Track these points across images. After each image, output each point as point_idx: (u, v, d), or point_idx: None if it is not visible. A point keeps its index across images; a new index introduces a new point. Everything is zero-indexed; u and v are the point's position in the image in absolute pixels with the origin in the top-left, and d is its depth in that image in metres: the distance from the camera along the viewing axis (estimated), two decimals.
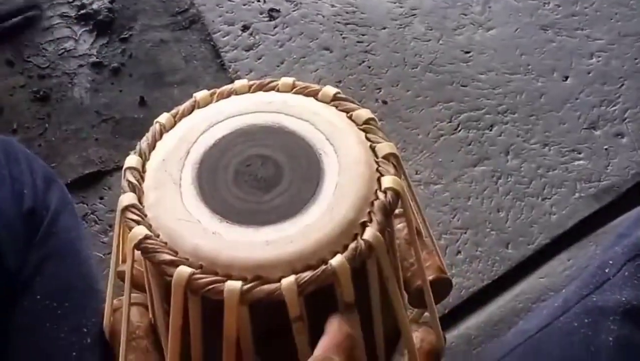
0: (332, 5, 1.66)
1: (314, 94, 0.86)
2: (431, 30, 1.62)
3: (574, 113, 1.47)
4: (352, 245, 0.72)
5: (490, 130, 1.46)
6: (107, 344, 0.92)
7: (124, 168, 0.79)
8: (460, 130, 1.46)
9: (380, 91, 1.52)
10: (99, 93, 1.55)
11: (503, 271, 1.30)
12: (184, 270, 0.71)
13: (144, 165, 0.80)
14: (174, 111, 0.84)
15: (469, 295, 1.27)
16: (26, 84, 1.56)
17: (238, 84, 0.87)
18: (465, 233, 1.33)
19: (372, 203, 0.75)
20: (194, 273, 0.71)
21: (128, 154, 0.78)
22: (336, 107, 0.84)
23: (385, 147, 0.79)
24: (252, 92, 0.86)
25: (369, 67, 1.56)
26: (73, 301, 0.91)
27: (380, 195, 0.75)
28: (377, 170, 0.78)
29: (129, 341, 0.86)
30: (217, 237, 0.73)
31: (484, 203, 1.36)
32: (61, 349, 0.88)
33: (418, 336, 0.95)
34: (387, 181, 0.76)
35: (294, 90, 0.86)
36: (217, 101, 0.86)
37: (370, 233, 0.73)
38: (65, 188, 1.00)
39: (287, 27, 1.63)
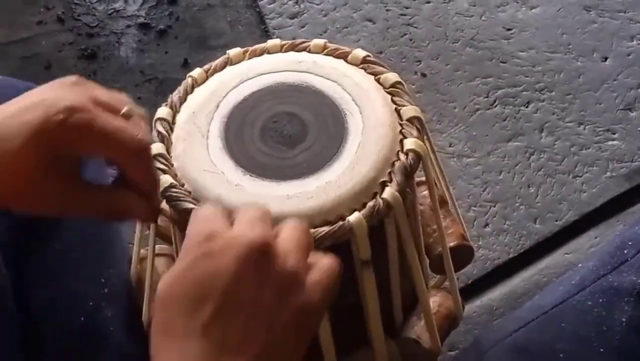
0: None
1: (344, 56, 0.88)
2: (474, 6, 1.63)
3: (611, 94, 1.48)
4: (371, 203, 0.75)
5: (527, 107, 1.47)
6: (126, 295, 0.94)
7: (154, 119, 0.82)
8: (496, 106, 1.47)
9: (420, 64, 1.54)
10: (145, 53, 1.59)
11: (529, 245, 1.31)
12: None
13: (174, 117, 0.83)
14: (206, 67, 0.87)
15: (493, 267, 1.29)
16: (75, 41, 1.60)
17: (270, 43, 0.90)
18: (495, 206, 1.35)
19: (393, 164, 0.77)
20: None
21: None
22: (365, 69, 0.87)
23: (410, 110, 0.81)
24: (284, 52, 0.89)
25: (411, 40, 1.58)
26: (92, 252, 0.92)
27: (402, 157, 0.77)
28: (401, 132, 0.80)
29: (153, 290, 0.89)
30: (239, 188, 0.76)
31: (515, 178, 1.38)
32: (78, 299, 0.90)
33: (436, 301, 0.97)
34: (409, 143, 0.78)
35: (325, 51, 0.88)
36: (249, 59, 0.88)
37: (389, 192, 0.75)
38: None
39: None
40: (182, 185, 0.77)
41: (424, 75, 1.52)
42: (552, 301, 0.85)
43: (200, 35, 1.61)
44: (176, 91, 0.85)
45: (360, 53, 0.87)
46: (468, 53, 1.56)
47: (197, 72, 0.86)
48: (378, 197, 0.75)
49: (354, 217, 0.74)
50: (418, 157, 0.78)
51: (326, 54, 0.88)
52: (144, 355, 0.91)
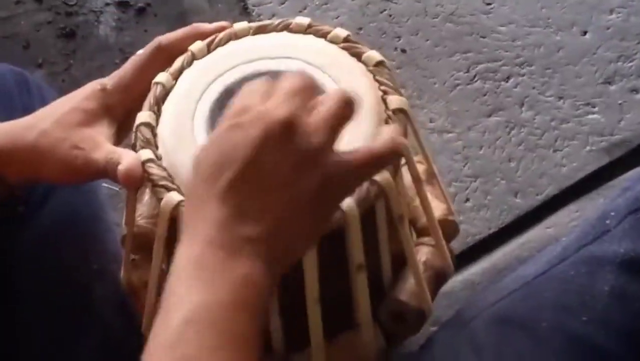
0: None
1: (324, 36, 0.88)
2: None
3: (591, 68, 1.48)
4: (363, 188, 0.75)
5: (507, 82, 1.47)
6: (114, 272, 0.95)
7: (135, 125, 0.82)
8: (476, 81, 1.48)
9: (399, 40, 1.54)
10: (124, 32, 1.58)
11: (510, 220, 1.32)
12: (172, 197, 0.75)
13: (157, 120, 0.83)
14: (171, 69, 0.86)
15: (474, 242, 1.30)
16: (53, 21, 1.59)
17: (238, 26, 0.89)
18: (475, 181, 1.35)
19: None
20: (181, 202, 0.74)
21: None
22: (347, 49, 0.86)
23: (396, 101, 0.81)
24: (253, 35, 0.88)
25: (390, 16, 1.57)
26: (80, 228, 0.93)
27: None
28: (386, 121, 0.80)
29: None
30: None
31: (496, 152, 1.38)
32: (67, 276, 0.91)
33: (424, 259, 0.95)
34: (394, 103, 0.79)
35: (307, 31, 0.88)
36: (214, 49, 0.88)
37: (380, 175, 0.75)
38: None
39: None
40: (160, 158, 0.78)
41: (403, 51, 1.52)
42: (534, 272, 0.86)
43: (179, 13, 1.60)
44: (149, 97, 0.84)
45: (341, 32, 0.87)
46: (448, 28, 1.55)
47: (163, 77, 0.85)
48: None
49: (346, 204, 0.74)
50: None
51: (307, 34, 0.88)
52: (131, 333, 0.92)
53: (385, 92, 0.82)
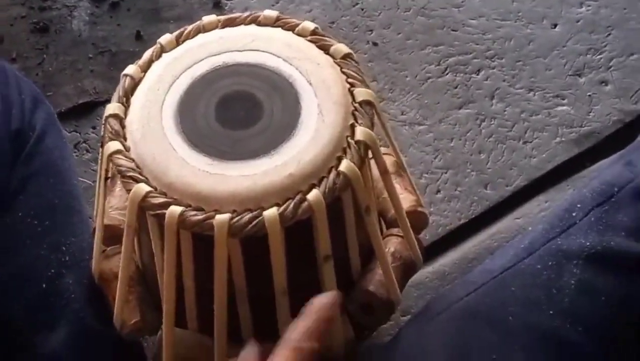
0: None
1: (292, 28, 0.89)
2: None
3: (561, 60, 1.50)
4: (330, 177, 0.76)
5: (477, 75, 1.49)
6: (87, 264, 0.96)
7: (104, 117, 0.83)
8: (447, 74, 1.49)
9: (371, 33, 1.55)
10: (97, 26, 1.58)
11: (480, 211, 1.33)
12: (141, 188, 0.75)
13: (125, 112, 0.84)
14: (140, 62, 0.87)
15: (445, 233, 1.31)
16: (27, 15, 1.59)
17: (206, 20, 0.90)
18: (446, 173, 1.37)
19: (347, 140, 0.79)
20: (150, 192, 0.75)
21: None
22: (315, 42, 0.87)
23: (362, 93, 0.82)
24: (222, 28, 0.89)
25: (362, 9, 1.58)
26: (53, 220, 0.94)
27: (352, 143, 0.78)
28: (353, 113, 0.81)
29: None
30: (197, 170, 0.77)
31: (466, 144, 1.40)
32: (39, 266, 0.91)
33: (393, 250, 0.96)
34: (360, 132, 0.79)
35: (276, 23, 0.89)
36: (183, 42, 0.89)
37: (345, 165, 0.77)
38: (52, 109, 1.02)
39: None
40: (125, 139, 0.79)
41: (375, 44, 1.53)
42: (502, 266, 0.87)
43: (152, 8, 1.60)
44: (118, 88, 0.85)
45: (309, 25, 0.88)
46: (419, 22, 1.57)
47: (132, 69, 0.86)
48: (334, 170, 0.77)
49: (312, 195, 0.75)
50: (366, 146, 0.79)
51: (276, 26, 0.89)
52: (103, 321, 0.93)
53: (352, 85, 0.83)
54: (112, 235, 0.91)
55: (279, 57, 0.85)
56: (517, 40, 1.53)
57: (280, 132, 0.79)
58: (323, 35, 0.88)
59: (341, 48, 0.86)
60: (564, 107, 1.44)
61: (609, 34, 1.53)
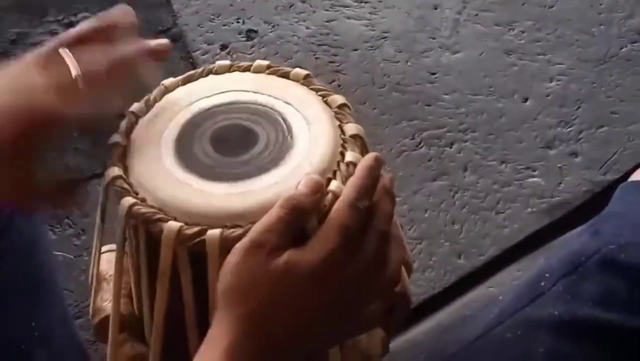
0: (308, 28, 1.73)
1: (286, 76, 0.91)
2: (400, 52, 1.68)
3: (532, 133, 1.54)
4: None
5: (451, 148, 1.52)
6: (62, 336, 0.97)
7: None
8: (422, 147, 1.53)
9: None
10: None
11: (454, 280, 1.36)
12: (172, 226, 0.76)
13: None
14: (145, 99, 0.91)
15: (419, 302, 1.33)
16: None
17: (218, 64, 0.93)
18: (420, 243, 1.40)
19: (336, 166, 0.80)
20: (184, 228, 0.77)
21: (105, 163, 0.84)
22: (307, 85, 0.90)
23: (352, 128, 0.85)
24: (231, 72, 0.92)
25: (339, 86, 1.63)
26: (23, 297, 0.94)
27: (342, 166, 0.80)
28: (342, 145, 0.83)
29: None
30: (185, 185, 0.79)
31: (440, 215, 1.43)
32: (9, 343, 0.92)
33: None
34: (350, 155, 0.81)
35: (268, 71, 0.91)
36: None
37: (335, 185, 0.77)
38: None
39: (263, 47, 1.70)
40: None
41: None
42: (472, 335, 0.88)
43: (136, 88, 1.64)
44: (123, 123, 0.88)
45: (301, 72, 0.91)
46: (394, 97, 1.61)
47: (137, 107, 0.89)
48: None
49: None
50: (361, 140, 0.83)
51: (269, 74, 0.91)
52: None
53: (341, 121, 0.86)
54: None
55: (275, 97, 0.87)
56: (489, 114, 1.57)
57: (272, 159, 0.81)
58: (314, 81, 0.90)
59: (337, 98, 0.88)
60: (535, 178, 1.47)
61: (579, 107, 1.57)
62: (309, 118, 0.85)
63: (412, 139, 1.54)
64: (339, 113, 0.87)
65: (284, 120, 0.85)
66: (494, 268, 1.38)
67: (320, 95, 0.89)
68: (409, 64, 1.67)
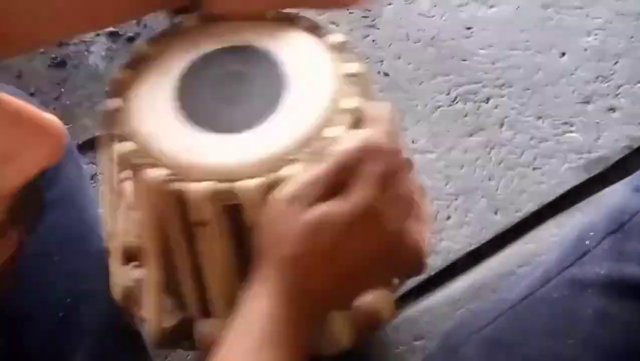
0: None
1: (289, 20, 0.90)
2: (435, 6, 1.67)
3: (569, 88, 1.52)
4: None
5: (487, 103, 1.51)
6: (103, 292, 0.97)
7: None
8: (457, 102, 1.51)
9: (382, 64, 1.58)
10: (114, 61, 1.62)
11: (490, 236, 1.35)
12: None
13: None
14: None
15: (455, 258, 1.32)
16: (45, 51, 1.63)
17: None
18: (457, 199, 1.38)
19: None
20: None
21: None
22: (310, 31, 0.88)
23: (352, 67, 0.83)
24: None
25: (373, 41, 1.62)
26: (69, 250, 0.95)
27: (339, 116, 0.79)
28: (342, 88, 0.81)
29: None
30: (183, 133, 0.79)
31: (477, 171, 1.42)
32: (55, 296, 0.93)
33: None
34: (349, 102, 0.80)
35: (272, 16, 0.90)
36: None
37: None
38: (69, 139, 1.04)
39: None
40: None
41: (387, 74, 1.56)
42: (518, 295, 0.87)
43: None
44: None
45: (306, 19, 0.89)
46: (429, 52, 1.59)
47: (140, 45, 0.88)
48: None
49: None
50: (358, 118, 0.80)
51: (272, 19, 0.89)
52: (123, 349, 0.94)
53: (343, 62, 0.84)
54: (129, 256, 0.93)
55: (273, 41, 0.86)
56: (525, 69, 1.55)
57: (265, 111, 0.80)
58: (318, 26, 0.88)
59: (336, 37, 0.86)
60: (573, 134, 1.46)
61: (617, 62, 1.55)
62: (309, 65, 0.83)
63: (448, 94, 1.53)
64: (339, 51, 0.85)
65: (282, 69, 0.83)
66: (530, 224, 1.36)
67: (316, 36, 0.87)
68: (444, 18, 1.65)
